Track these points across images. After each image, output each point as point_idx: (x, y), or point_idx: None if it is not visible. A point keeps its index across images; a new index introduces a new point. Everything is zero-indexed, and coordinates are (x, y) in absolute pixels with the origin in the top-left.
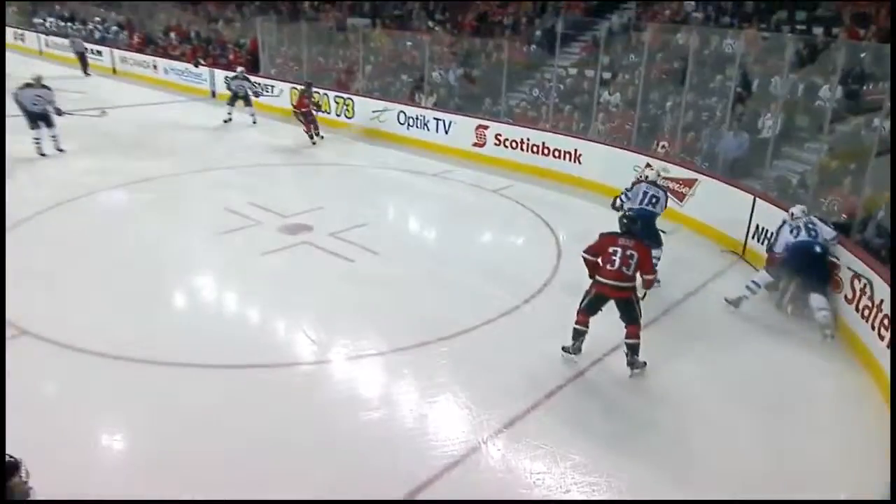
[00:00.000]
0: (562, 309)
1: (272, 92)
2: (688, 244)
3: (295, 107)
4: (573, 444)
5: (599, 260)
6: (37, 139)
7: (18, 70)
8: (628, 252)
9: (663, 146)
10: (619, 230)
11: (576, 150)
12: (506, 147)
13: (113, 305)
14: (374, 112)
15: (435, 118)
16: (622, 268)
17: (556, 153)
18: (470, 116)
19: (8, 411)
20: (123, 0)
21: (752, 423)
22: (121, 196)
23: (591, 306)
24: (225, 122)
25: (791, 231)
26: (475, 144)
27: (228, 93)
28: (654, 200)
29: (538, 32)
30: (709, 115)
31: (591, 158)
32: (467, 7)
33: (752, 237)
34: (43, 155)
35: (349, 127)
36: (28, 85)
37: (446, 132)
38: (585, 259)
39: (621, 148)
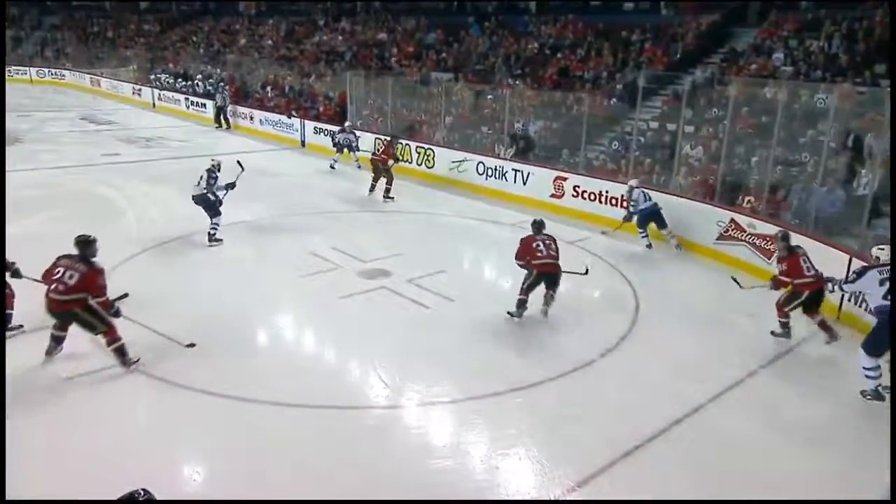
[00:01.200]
0: (640, 366)
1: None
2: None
3: (375, 156)
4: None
5: (528, 257)
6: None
7: (132, 121)
8: (546, 241)
9: (749, 201)
10: (533, 232)
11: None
12: (584, 199)
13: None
14: (453, 162)
15: (514, 169)
16: (548, 251)
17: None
18: (548, 168)
19: (124, 442)
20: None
21: None
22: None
23: (533, 285)
24: (331, 167)
25: (881, 282)
26: (553, 195)
27: (333, 148)
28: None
29: (619, 86)
30: (799, 171)
31: (672, 212)
32: (548, 62)
33: (849, 299)
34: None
35: (429, 177)
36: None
37: (524, 183)
38: (521, 265)
39: (703, 202)
